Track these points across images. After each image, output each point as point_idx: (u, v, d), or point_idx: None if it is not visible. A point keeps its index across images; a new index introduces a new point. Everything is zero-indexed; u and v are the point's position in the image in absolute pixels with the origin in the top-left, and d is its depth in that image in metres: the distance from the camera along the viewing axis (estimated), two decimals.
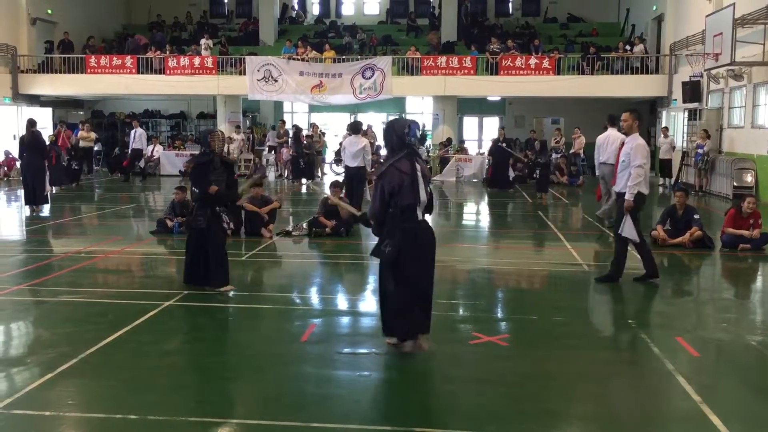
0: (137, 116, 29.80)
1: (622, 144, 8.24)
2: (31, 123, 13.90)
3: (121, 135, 28.25)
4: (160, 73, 24.59)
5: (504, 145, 20.45)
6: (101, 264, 9.15)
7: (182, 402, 4.58)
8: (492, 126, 30.41)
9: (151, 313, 6.57)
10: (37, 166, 13.69)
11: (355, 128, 13.35)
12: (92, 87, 25.29)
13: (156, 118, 30.13)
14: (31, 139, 13.69)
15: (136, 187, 20.54)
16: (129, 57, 24.97)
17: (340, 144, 17.43)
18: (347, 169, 13.07)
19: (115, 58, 24.98)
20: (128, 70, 24.67)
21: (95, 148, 25.25)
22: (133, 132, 23.08)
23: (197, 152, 8.19)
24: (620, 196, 7.88)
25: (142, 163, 22.63)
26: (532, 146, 22.25)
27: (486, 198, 18.16)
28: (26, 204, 13.86)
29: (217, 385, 4.99)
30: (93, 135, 24.13)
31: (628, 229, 7.78)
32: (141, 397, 4.61)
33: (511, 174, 20.62)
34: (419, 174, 5.30)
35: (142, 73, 24.69)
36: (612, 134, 12.27)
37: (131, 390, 4.76)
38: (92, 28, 28.54)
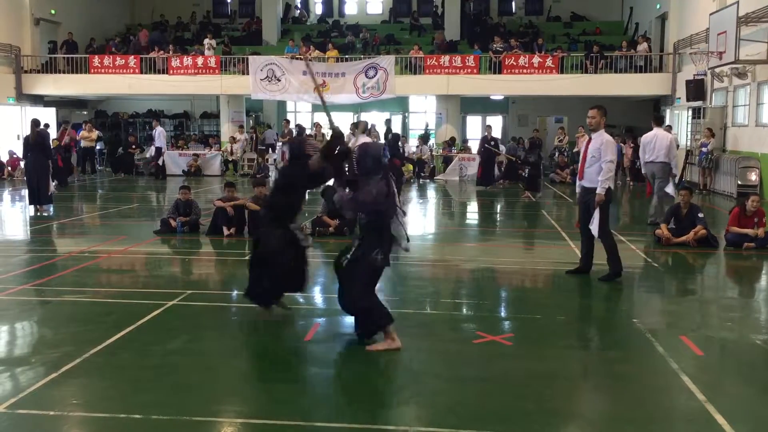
0: (140, 115, 29.95)
1: (597, 143, 8.26)
2: (36, 123, 13.96)
3: (124, 135, 28.30)
4: (163, 73, 24.63)
5: (492, 143, 20.53)
6: (105, 264, 9.16)
7: (186, 402, 4.58)
8: (495, 125, 30.34)
9: (155, 313, 6.57)
10: (42, 166, 13.71)
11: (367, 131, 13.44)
12: (96, 87, 25.35)
13: (159, 117, 30.16)
14: (35, 139, 13.73)
15: (140, 186, 20.57)
16: (132, 57, 25.02)
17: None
18: None
19: (118, 58, 25.02)
20: (131, 70, 24.71)
21: (97, 148, 25.30)
22: (154, 131, 23.13)
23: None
24: (589, 191, 8.02)
25: (160, 161, 22.60)
26: (532, 144, 22.20)
27: (488, 197, 18.14)
28: (30, 204, 13.89)
29: (221, 384, 4.99)
30: (94, 134, 24.20)
31: (594, 223, 7.93)
32: (145, 397, 4.61)
33: (496, 172, 20.70)
34: (393, 188, 5.60)
35: (146, 73, 24.74)
36: (660, 133, 12.56)
37: (135, 390, 4.77)
38: (95, 28, 28.59)
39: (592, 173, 7.96)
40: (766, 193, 16.36)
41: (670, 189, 12.34)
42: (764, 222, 10.23)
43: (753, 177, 17.00)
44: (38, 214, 13.54)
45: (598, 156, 7.88)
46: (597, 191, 7.85)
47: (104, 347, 5.58)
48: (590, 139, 8.12)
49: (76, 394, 4.74)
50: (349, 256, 5.65)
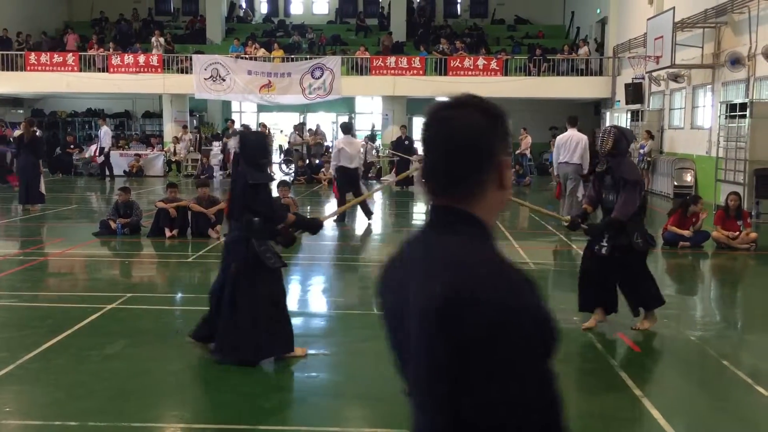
0: (79, 114, 29.19)
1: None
2: (31, 122, 14.81)
3: (62, 134, 27.51)
4: (103, 71, 24.02)
5: (407, 143, 20.70)
6: (41, 267, 8.88)
7: (124, 408, 4.47)
8: None
9: (93, 317, 6.40)
10: (33, 165, 14.12)
11: (347, 129, 13.37)
12: (32, 85, 24.52)
13: (105, 117, 29.41)
14: (30, 139, 14.18)
15: (79, 187, 20.04)
16: (71, 54, 24.32)
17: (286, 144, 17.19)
18: (345, 171, 12.58)
19: (56, 56, 24.30)
20: (70, 68, 24.01)
21: None
22: (100, 130, 22.41)
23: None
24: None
25: (103, 161, 21.94)
26: None
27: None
28: (20, 203, 14.15)
29: (159, 389, 4.88)
30: None
31: None
32: (81, 404, 4.48)
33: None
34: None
35: (85, 71, 24.09)
36: (575, 135, 12.51)
37: (71, 396, 4.63)
38: (31, 24, 27.70)
39: None
40: (700, 193, 16.87)
41: (580, 193, 12.48)
42: (701, 222, 10.53)
43: (688, 178, 17.55)
44: (29, 212, 13.64)
45: None
46: None
47: (39, 353, 5.41)
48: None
49: (10, 401, 4.59)
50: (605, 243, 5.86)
